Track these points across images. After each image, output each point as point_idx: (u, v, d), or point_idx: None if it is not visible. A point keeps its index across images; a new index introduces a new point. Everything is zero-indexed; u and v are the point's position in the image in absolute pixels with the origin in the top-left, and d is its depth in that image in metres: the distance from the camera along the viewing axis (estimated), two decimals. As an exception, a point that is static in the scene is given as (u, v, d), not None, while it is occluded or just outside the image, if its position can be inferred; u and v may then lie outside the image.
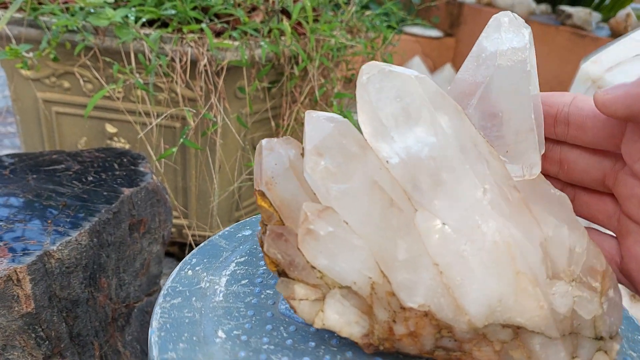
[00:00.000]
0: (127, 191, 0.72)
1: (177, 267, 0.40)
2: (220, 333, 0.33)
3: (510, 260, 0.27)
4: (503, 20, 0.30)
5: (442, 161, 0.28)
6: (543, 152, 0.31)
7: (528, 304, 0.27)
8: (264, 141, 0.34)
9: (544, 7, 2.72)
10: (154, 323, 0.34)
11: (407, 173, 0.28)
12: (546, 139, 0.32)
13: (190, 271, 0.40)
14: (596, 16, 2.35)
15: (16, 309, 0.56)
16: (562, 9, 2.44)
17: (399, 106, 0.28)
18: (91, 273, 0.65)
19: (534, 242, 0.28)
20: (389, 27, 1.96)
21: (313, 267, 0.30)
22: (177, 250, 1.24)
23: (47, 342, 0.60)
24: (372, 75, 0.29)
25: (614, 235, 0.32)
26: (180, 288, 0.37)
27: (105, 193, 0.71)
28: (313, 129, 0.30)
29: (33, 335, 0.59)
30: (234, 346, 0.32)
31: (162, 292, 0.38)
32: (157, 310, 0.35)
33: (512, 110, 0.30)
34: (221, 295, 0.37)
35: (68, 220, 0.63)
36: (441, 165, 0.28)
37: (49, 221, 0.63)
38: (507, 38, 0.30)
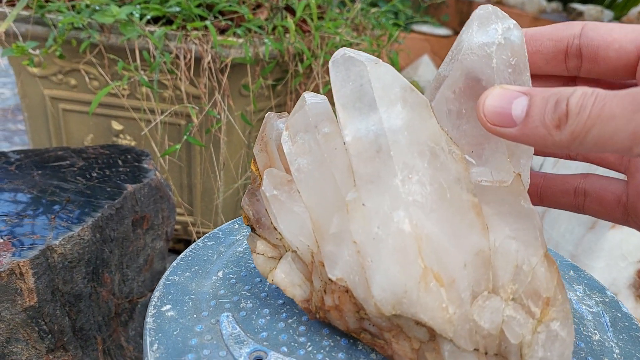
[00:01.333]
0: (130, 187, 0.73)
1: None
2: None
3: (417, 253, 0.27)
4: (479, 14, 0.30)
5: (379, 147, 0.28)
6: (531, 161, 0.30)
7: (430, 302, 0.27)
8: (270, 114, 0.37)
9: (554, 4, 2.70)
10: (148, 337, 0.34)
11: (354, 153, 0.29)
12: (560, 77, 0.30)
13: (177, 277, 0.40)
14: (608, 14, 2.33)
15: (19, 302, 0.57)
16: (573, 6, 2.42)
17: (355, 91, 0.29)
18: (94, 268, 0.65)
19: (461, 245, 0.28)
20: (395, 24, 1.95)
21: (275, 228, 0.34)
22: (183, 247, 1.25)
23: (50, 335, 0.61)
24: (336, 59, 0.30)
25: (620, 179, 0.31)
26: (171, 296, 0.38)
27: (108, 189, 0.71)
28: (297, 107, 0.33)
29: (36, 328, 0.59)
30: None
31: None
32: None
33: (473, 110, 0.30)
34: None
35: (71, 215, 0.64)
36: (376, 151, 0.28)
37: (53, 216, 0.64)
38: (478, 32, 0.29)
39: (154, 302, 0.38)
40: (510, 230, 0.29)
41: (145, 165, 0.80)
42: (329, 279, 0.31)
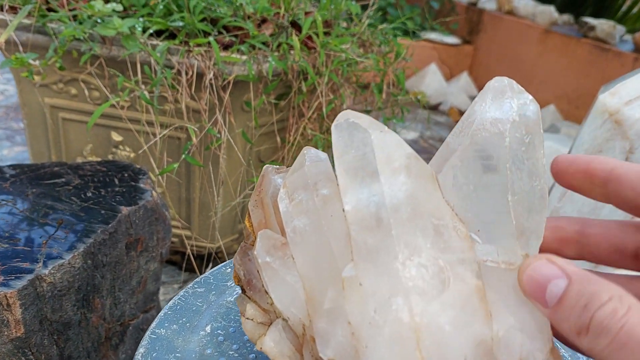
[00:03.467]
0: (125, 210, 0.71)
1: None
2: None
3: (416, 345, 0.25)
4: (494, 86, 0.28)
5: (379, 221, 0.27)
6: (540, 242, 0.28)
7: None
8: (267, 166, 0.36)
9: (566, 17, 2.67)
10: None
11: (353, 224, 0.27)
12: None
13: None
14: (620, 29, 2.30)
15: (5, 333, 0.55)
16: (585, 20, 2.39)
17: (357, 158, 0.28)
18: (84, 295, 0.64)
19: (462, 335, 0.26)
20: (405, 32, 1.93)
21: (267, 292, 0.32)
22: (180, 259, 1.23)
23: (36, 365, 0.59)
24: (339, 123, 0.28)
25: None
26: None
27: (102, 212, 0.70)
28: (297, 164, 0.31)
29: (23, 358, 0.58)
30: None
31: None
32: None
33: (481, 189, 0.28)
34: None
35: (62, 241, 0.62)
36: (377, 225, 0.27)
37: (44, 242, 0.62)
38: (492, 107, 0.28)
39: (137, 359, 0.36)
40: (516, 320, 0.28)
41: (141, 185, 0.79)
42: (321, 358, 0.29)
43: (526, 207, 0.27)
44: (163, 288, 1.20)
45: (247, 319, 0.34)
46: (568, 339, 0.21)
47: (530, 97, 0.28)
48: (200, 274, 1.19)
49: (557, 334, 0.26)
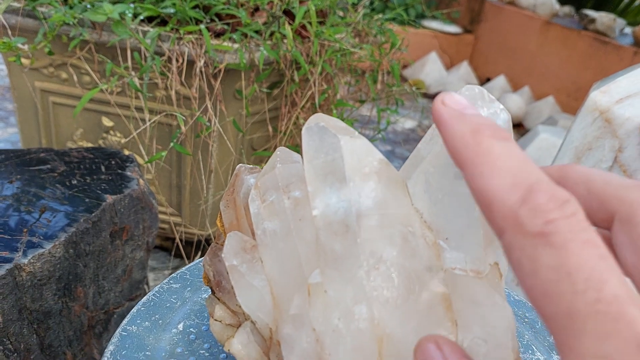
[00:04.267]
0: (110, 198, 0.71)
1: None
2: None
3: (377, 355, 0.25)
4: (466, 95, 0.28)
5: (346, 228, 0.26)
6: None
7: None
8: (240, 166, 0.35)
9: (567, 9, 2.64)
10: None
11: (321, 230, 0.27)
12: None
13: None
14: (620, 23, 2.28)
15: (-17, 321, 0.55)
16: (585, 12, 2.37)
17: (327, 163, 0.27)
18: (66, 284, 0.64)
19: None
20: (402, 22, 1.91)
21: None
22: (171, 245, 1.23)
23: (16, 354, 0.59)
24: (310, 127, 0.28)
25: None
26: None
27: (87, 200, 0.69)
28: (269, 164, 0.31)
29: (1, 347, 0.58)
30: None
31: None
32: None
33: (451, 196, 0.27)
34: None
35: (44, 229, 0.62)
36: (345, 231, 0.26)
37: (25, 229, 0.62)
38: None
39: (106, 358, 0.36)
40: (481, 330, 0.27)
41: (128, 173, 0.78)
42: None
43: None
44: (153, 274, 1.21)
45: (216, 320, 0.34)
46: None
47: (501, 106, 0.27)
48: (190, 261, 1.19)
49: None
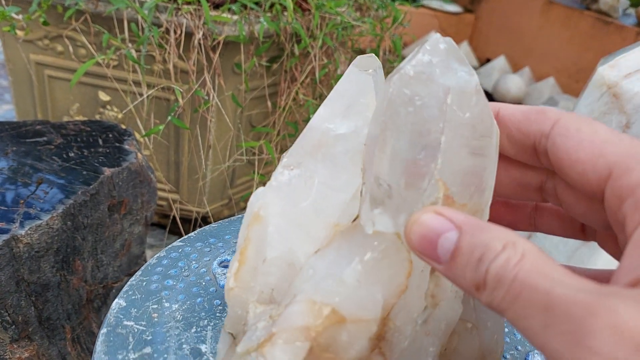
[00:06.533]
0: (108, 171, 0.69)
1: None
2: None
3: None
4: (429, 54, 0.24)
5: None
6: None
7: None
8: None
9: (569, -12, 2.61)
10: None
11: None
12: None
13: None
14: (624, 3, 2.26)
15: (-20, 293, 0.54)
16: (587, -8, 2.34)
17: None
18: (64, 257, 0.63)
19: None
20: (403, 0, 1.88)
21: None
22: (167, 221, 1.22)
23: (14, 326, 0.58)
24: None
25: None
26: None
27: (84, 172, 0.68)
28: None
29: (-2, 319, 0.57)
30: None
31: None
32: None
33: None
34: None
35: (41, 201, 0.61)
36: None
37: (22, 201, 0.60)
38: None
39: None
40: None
41: (126, 147, 0.77)
42: None
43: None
44: (150, 251, 1.20)
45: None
46: (468, 294, 0.20)
47: (470, 69, 0.24)
48: (189, 238, 1.18)
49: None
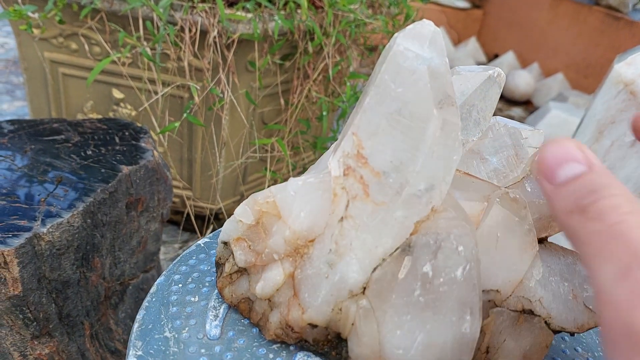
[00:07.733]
0: (125, 169, 0.70)
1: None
2: None
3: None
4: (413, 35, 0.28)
5: None
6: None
7: None
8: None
9: (579, -17, 2.59)
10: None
11: None
12: None
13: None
14: (634, -3, 2.24)
15: (3, 291, 0.55)
16: (597, -14, 2.32)
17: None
18: (84, 254, 0.63)
19: None
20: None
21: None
22: (181, 218, 1.23)
23: (35, 323, 0.59)
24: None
25: None
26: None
27: (103, 170, 0.69)
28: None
29: (21, 316, 0.57)
30: None
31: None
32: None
33: None
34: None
35: (62, 199, 0.61)
36: None
37: (42, 199, 0.61)
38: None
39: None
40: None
41: (143, 144, 0.77)
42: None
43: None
44: (164, 247, 1.20)
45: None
46: (554, 214, 0.21)
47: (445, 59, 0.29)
48: (201, 235, 1.19)
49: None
